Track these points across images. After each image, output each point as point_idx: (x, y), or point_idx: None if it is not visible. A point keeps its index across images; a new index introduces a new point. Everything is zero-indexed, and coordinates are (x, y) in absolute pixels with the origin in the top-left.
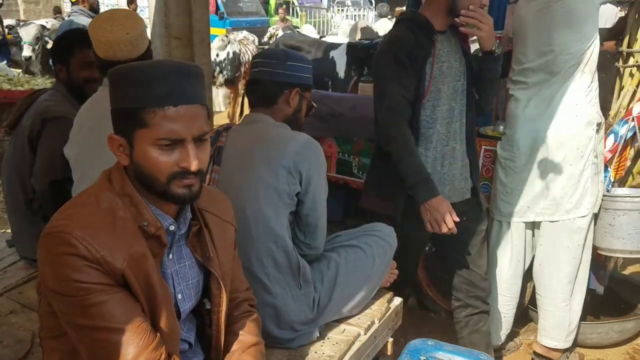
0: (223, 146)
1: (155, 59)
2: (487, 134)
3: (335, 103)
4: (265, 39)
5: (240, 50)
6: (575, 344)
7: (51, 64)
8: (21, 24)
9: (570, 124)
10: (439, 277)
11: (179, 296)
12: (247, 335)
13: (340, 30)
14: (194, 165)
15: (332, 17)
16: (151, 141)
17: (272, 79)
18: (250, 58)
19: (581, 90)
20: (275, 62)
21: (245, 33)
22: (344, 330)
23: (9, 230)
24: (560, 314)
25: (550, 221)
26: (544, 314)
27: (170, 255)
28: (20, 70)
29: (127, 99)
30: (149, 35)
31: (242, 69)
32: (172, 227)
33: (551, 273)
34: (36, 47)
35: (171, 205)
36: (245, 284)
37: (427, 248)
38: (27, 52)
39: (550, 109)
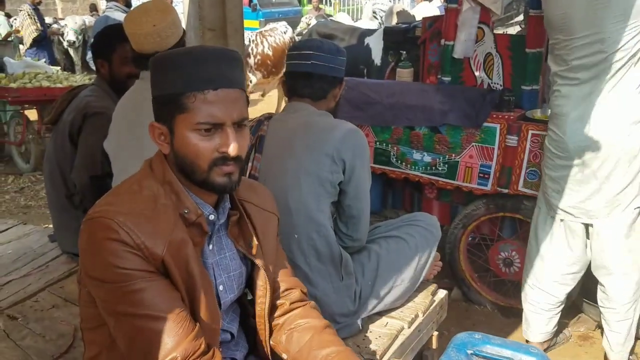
0: (265, 135)
1: (194, 45)
2: (534, 117)
3: (372, 90)
4: (299, 29)
5: (250, 41)
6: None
7: (87, 60)
8: (59, 21)
9: (623, 121)
10: (483, 268)
11: (220, 287)
12: (316, 320)
13: (364, 15)
14: (233, 150)
15: (365, 3)
16: (191, 126)
17: (328, 73)
18: (268, 49)
19: (633, 85)
20: (331, 56)
21: (277, 24)
22: (387, 323)
23: (51, 225)
24: (626, 320)
25: (607, 218)
26: (611, 325)
27: (211, 246)
28: (59, 68)
29: (167, 84)
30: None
31: (252, 60)
32: (211, 217)
33: (613, 275)
34: (79, 37)
35: (211, 195)
36: (291, 272)
37: (470, 238)
38: (71, 36)
39: (602, 107)
